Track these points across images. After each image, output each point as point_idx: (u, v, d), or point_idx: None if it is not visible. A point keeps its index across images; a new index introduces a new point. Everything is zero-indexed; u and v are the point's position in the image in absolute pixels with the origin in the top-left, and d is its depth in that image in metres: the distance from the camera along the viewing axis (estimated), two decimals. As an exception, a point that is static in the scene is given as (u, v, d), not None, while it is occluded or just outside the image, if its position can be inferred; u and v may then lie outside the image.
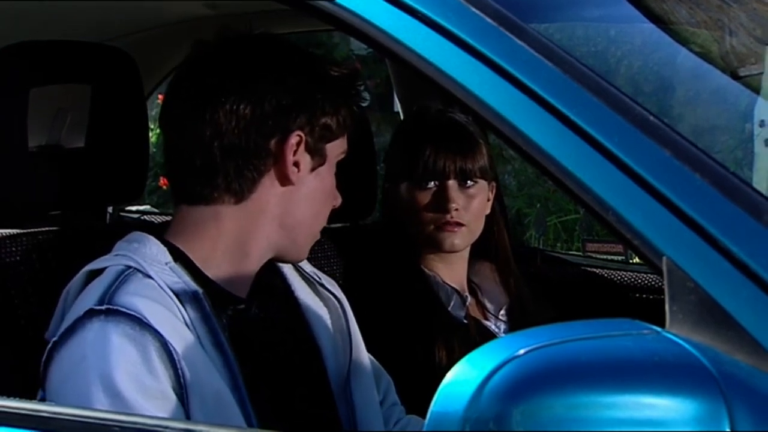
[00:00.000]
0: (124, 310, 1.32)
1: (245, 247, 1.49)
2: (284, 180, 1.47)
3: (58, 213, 1.69)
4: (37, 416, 1.17)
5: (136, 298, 1.34)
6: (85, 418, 1.15)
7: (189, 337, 1.36)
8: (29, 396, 1.36)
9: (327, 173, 1.53)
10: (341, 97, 1.53)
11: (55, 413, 1.16)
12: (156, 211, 3.78)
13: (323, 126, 1.49)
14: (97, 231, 1.73)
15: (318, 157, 1.50)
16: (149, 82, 2.43)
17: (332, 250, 2.11)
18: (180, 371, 1.31)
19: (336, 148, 1.53)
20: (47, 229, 1.62)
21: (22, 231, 1.58)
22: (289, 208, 1.49)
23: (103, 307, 1.33)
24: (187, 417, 1.32)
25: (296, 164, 1.47)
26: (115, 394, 1.28)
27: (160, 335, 1.31)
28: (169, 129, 1.51)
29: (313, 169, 1.50)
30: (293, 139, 1.46)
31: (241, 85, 1.45)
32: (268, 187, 1.47)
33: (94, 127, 1.69)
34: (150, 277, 1.39)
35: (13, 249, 1.55)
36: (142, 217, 2.87)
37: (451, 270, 2.12)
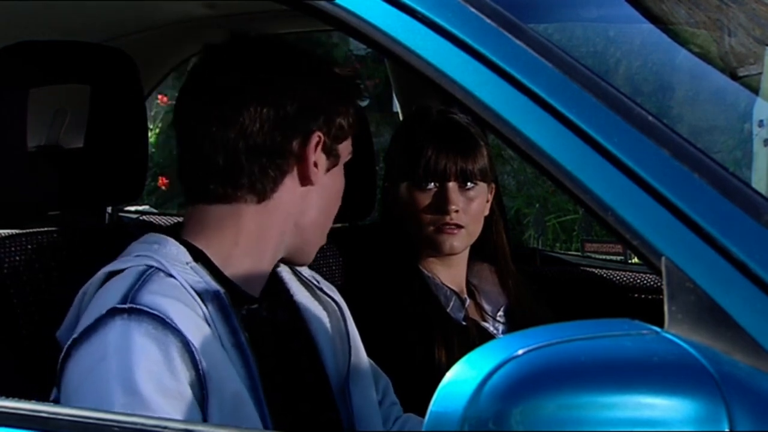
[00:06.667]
0: (147, 309, 1.32)
1: (262, 246, 1.50)
2: (305, 180, 1.49)
3: (57, 213, 1.69)
4: (36, 416, 1.17)
5: (159, 297, 1.34)
6: (84, 419, 1.15)
7: (211, 337, 1.36)
8: (28, 396, 1.36)
9: (338, 174, 1.56)
10: (348, 97, 1.56)
11: (54, 414, 1.16)
12: (155, 211, 3.79)
13: (338, 126, 1.52)
14: (96, 231, 1.73)
15: (333, 157, 1.52)
16: (148, 82, 2.43)
17: (331, 251, 2.11)
18: (201, 372, 1.32)
19: (345, 149, 1.56)
20: (46, 229, 1.62)
21: (21, 231, 1.58)
22: (305, 207, 1.51)
23: (126, 306, 1.32)
24: (204, 418, 1.32)
25: (315, 164, 1.49)
26: (134, 393, 1.28)
27: (183, 335, 1.31)
28: (186, 130, 1.51)
29: (328, 170, 1.52)
30: (314, 140, 1.48)
31: (262, 87, 1.47)
32: (289, 187, 1.49)
33: (94, 128, 1.69)
34: (172, 276, 1.39)
35: (13, 249, 1.55)
36: (140, 218, 2.88)
37: (450, 271, 2.12)
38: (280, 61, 1.51)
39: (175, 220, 2.25)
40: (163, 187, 6.74)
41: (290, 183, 1.49)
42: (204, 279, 1.42)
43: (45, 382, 1.38)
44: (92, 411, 1.22)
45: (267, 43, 1.56)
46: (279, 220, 1.50)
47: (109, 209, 2.34)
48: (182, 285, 1.38)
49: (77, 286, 1.44)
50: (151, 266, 1.39)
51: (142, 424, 1.13)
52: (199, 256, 1.46)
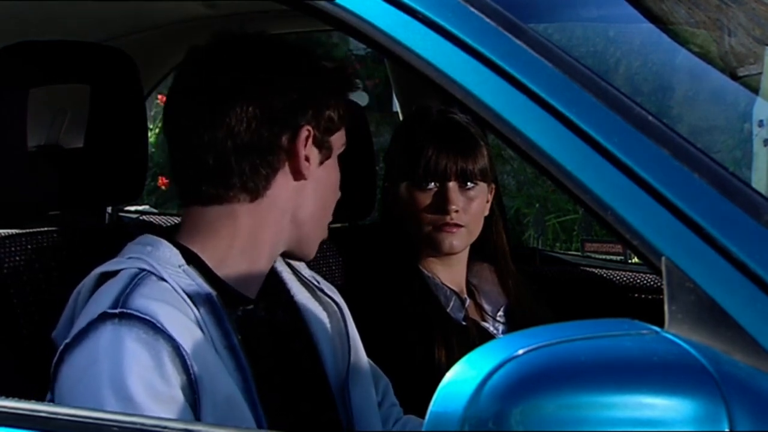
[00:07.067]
0: (137, 314, 1.32)
1: (259, 245, 1.50)
2: (297, 175, 1.49)
3: (57, 213, 1.69)
4: (36, 416, 1.17)
5: (150, 301, 1.34)
6: (84, 418, 1.15)
7: (203, 340, 1.35)
8: (28, 396, 1.36)
9: (333, 166, 1.56)
10: (338, 89, 1.56)
11: (54, 413, 1.16)
12: (154, 211, 3.78)
13: (328, 118, 1.51)
14: (96, 231, 1.73)
15: (325, 150, 1.52)
16: (148, 82, 2.43)
17: (331, 251, 2.11)
18: (192, 376, 1.31)
19: (338, 141, 1.56)
20: (46, 229, 1.62)
21: (21, 231, 1.58)
22: (301, 202, 1.51)
23: (117, 311, 1.32)
24: (198, 421, 1.32)
25: (307, 158, 1.49)
26: (126, 398, 1.28)
27: (174, 340, 1.31)
28: (176, 133, 1.51)
29: (321, 163, 1.52)
30: (303, 134, 1.48)
31: (248, 85, 1.46)
32: (282, 183, 1.49)
33: (93, 128, 1.69)
34: (164, 279, 1.39)
35: (13, 249, 1.55)
36: (140, 218, 2.87)
37: (450, 271, 2.12)
38: (264, 58, 1.51)
39: (176, 220, 2.25)
40: (163, 187, 6.73)
41: (283, 179, 1.48)
42: (196, 282, 1.42)
43: (45, 382, 1.38)
44: (92, 411, 1.22)
45: (250, 41, 1.56)
46: (274, 217, 1.49)
47: (109, 209, 2.34)
48: (174, 288, 1.38)
49: (77, 286, 1.44)
50: (143, 269, 1.39)
51: (142, 424, 1.13)
52: (192, 258, 1.45)
